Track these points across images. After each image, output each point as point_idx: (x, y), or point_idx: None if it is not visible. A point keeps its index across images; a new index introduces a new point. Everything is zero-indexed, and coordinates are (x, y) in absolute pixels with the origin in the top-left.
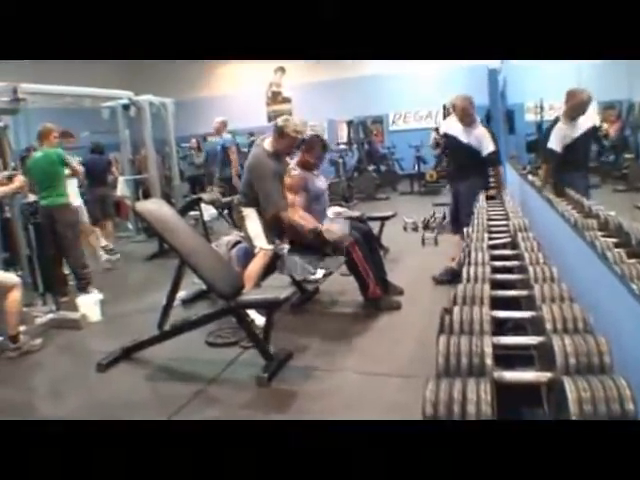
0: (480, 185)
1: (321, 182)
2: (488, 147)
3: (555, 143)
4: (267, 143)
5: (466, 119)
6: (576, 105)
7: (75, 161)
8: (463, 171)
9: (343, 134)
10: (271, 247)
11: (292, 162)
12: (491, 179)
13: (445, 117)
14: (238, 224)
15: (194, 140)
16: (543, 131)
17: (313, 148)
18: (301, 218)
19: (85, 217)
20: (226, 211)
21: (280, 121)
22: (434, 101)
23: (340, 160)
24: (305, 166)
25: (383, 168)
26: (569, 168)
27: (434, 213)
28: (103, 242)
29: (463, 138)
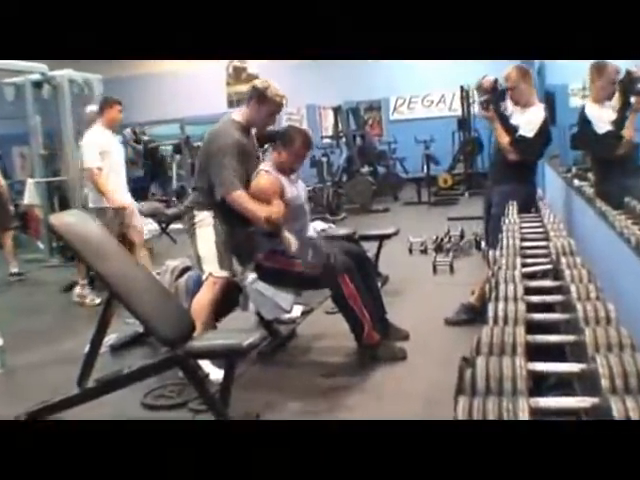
0: (523, 194)
1: (300, 191)
2: (526, 131)
3: (596, 126)
4: (237, 113)
5: (512, 95)
6: (606, 84)
7: None
8: (502, 170)
9: (328, 125)
10: (224, 274)
11: (265, 162)
12: None
13: (463, 101)
14: (188, 235)
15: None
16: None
17: (292, 143)
18: (253, 203)
19: (138, 219)
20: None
21: (259, 82)
22: (449, 81)
23: (324, 159)
24: (280, 168)
25: (381, 170)
26: (613, 173)
27: (449, 230)
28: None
29: (512, 121)
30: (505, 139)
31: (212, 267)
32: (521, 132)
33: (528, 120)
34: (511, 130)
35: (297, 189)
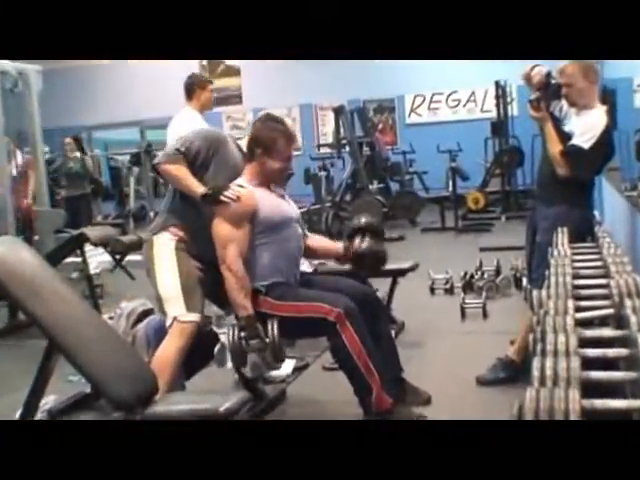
0: (577, 219)
1: (287, 205)
2: (581, 140)
3: None
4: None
5: (567, 94)
6: None
7: None
8: (550, 188)
9: (328, 130)
10: (194, 318)
11: (242, 177)
12: None
13: (498, 100)
14: (146, 266)
15: (68, 139)
16: None
17: (274, 145)
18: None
19: None
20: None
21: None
22: (481, 76)
23: (322, 174)
24: (264, 179)
25: (394, 187)
26: None
27: (481, 264)
28: None
29: (565, 126)
30: (556, 148)
31: (177, 309)
32: (575, 141)
33: (584, 126)
34: (563, 137)
35: (284, 204)
